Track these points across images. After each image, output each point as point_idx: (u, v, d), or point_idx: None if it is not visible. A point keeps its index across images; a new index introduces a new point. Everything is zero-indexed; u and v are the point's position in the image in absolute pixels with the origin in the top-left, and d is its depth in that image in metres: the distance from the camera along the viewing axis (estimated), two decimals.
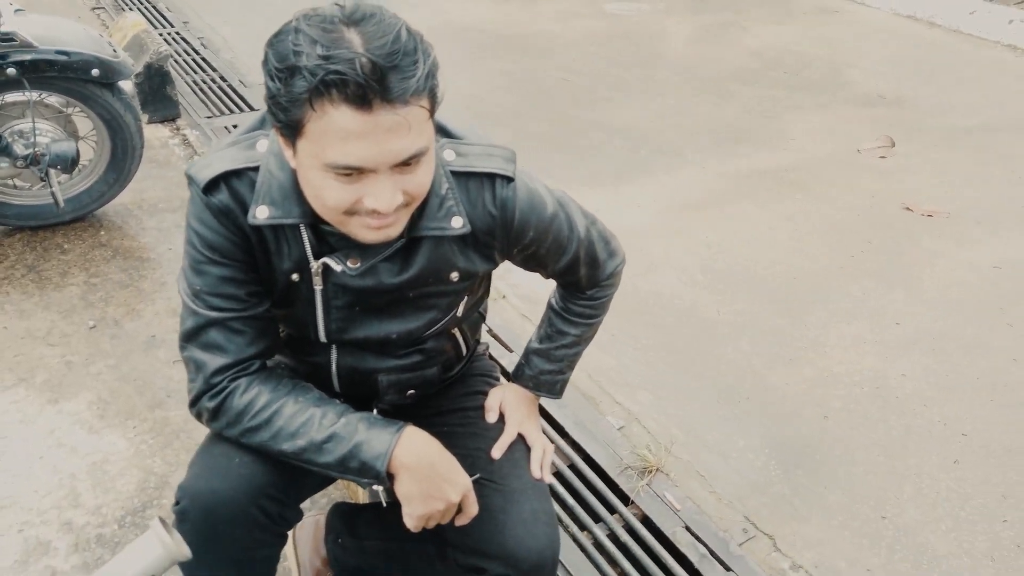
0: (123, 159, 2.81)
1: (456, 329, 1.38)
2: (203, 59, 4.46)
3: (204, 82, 4.19)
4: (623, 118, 4.12)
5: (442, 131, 1.18)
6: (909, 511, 1.97)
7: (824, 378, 2.40)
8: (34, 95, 2.56)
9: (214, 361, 1.15)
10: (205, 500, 1.15)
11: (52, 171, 2.55)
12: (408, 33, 0.94)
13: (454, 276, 1.21)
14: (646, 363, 2.41)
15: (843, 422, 2.24)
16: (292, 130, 0.96)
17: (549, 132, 3.93)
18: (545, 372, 1.47)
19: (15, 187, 2.76)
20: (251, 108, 3.92)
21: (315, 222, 1.10)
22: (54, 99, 2.66)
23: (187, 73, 4.27)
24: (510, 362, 2.34)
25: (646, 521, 1.91)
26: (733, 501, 1.98)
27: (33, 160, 2.54)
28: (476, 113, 4.07)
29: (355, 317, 1.23)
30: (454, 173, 1.15)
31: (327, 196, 0.99)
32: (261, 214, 1.09)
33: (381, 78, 0.90)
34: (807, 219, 3.26)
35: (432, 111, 1.00)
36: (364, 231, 1.03)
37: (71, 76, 2.53)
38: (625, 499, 1.96)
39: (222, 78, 4.23)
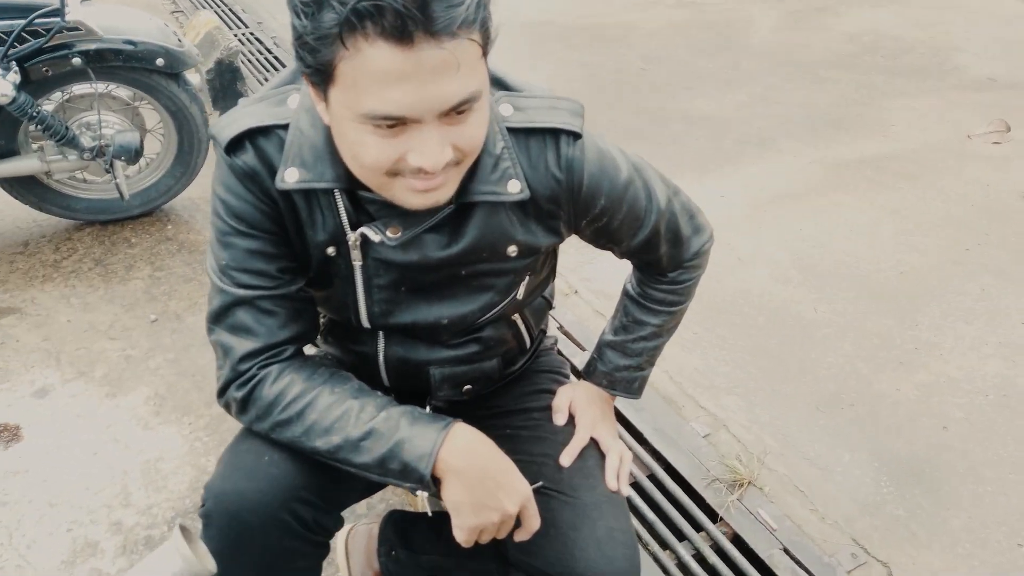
0: (189, 153, 2.76)
1: (517, 315, 1.21)
2: (276, 58, 4.44)
3: None
4: (706, 108, 3.87)
5: (498, 83, 1.01)
6: None
7: (941, 384, 2.12)
8: (101, 86, 2.53)
9: (242, 345, 1.02)
10: (230, 502, 1.01)
11: (117, 163, 2.51)
12: None
13: (512, 251, 1.05)
14: (735, 365, 2.19)
15: (965, 434, 1.96)
16: (323, 76, 0.81)
17: (628, 123, 3.73)
18: (621, 368, 1.29)
19: (85, 181, 2.75)
20: None
21: (352, 187, 0.96)
22: (122, 91, 2.63)
23: (260, 72, 4.26)
24: (581, 362, 2.16)
25: (737, 541, 1.69)
26: (839, 522, 1.73)
27: (99, 152, 2.51)
28: None
29: (401, 299, 1.07)
30: (512, 130, 0.98)
31: (365, 153, 0.84)
32: (290, 177, 0.94)
33: (423, 5, 0.74)
34: (915, 211, 2.95)
35: (485, 50, 0.83)
36: (409, 195, 0.88)
37: (136, 66, 2.48)
38: (713, 515, 1.74)
39: None
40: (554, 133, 0.99)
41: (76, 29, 2.36)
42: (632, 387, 1.31)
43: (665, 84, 4.16)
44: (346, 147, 0.87)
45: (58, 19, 2.27)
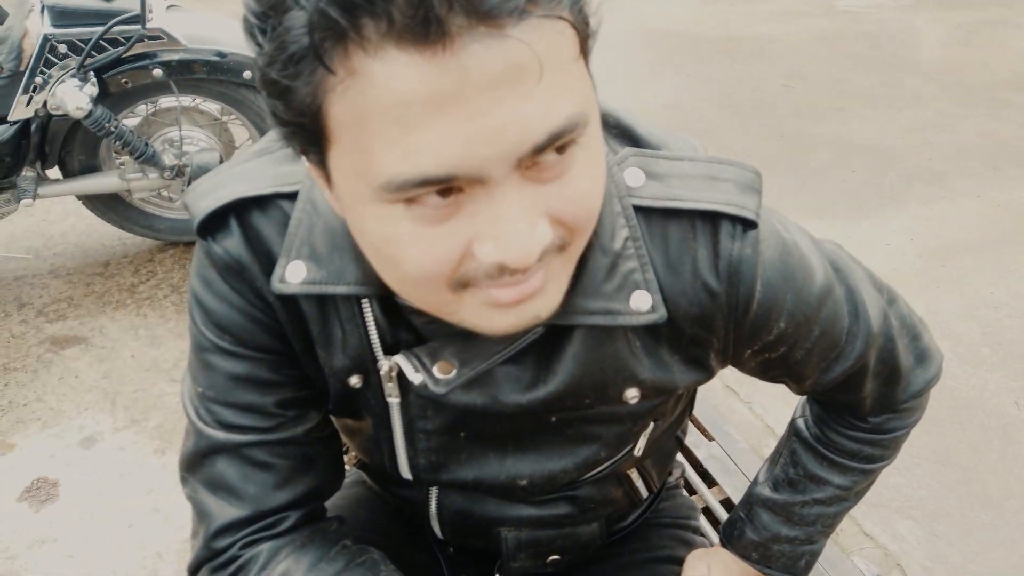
0: None
1: (634, 468, 0.82)
2: None
3: None
4: (863, 134, 3.33)
5: (619, 132, 0.64)
6: None
7: None
8: (187, 100, 2.33)
9: (222, 512, 0.69)
10: None
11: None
12: None
13: (631, 395, 0.66)
14: (911, 476, 1.70)
15: None
16: (310, 136, 0.47)
17: (766, 150, 3.25)
18: (782, 539, 0.88)
19: (170, 199, 2.57)
20: None
21: (388, 292, 0.60)
22: (210, 105, 2.42)
23: None
24: (707, 455, 1.73)
25: None
26: None
27: (178, 171, 2.31)
28: (675, 127, 3.48)
29: (458, 448, 0.72)
30: (642, 211, 0.60)
31: (407, 258, 0.48)
32: (294, 275, 0.60)
33: None
34: None
35: (584, 41, 0.47)
36: (489, 313, 0.52)
37: (222, 79, 2.27)
38: None
39: None
40: (711, 218, 0.60)
41: (158, 38, 2.15)
42: (796, 566, 0.90)
43: (812, 105, 3.64)
44: (374, 253, 0.52)
45: (138, 27, 2.07)
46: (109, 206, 2.47)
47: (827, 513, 0.87)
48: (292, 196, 0.62)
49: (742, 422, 1.85)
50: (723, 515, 1.57)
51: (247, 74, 2.27)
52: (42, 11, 2.07)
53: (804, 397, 0.88)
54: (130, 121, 2.34)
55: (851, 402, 0.78)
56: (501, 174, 0.44)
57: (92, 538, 1.63)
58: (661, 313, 0.60)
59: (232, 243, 0.62)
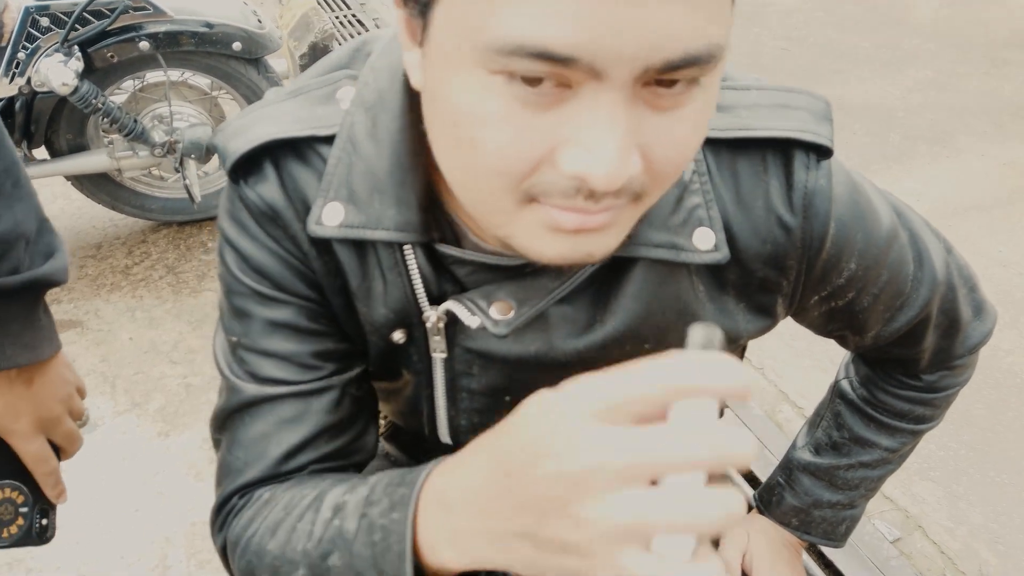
0: None
1: None
2: None
3: None
4: (863, 96, 3.29)
5: None
6: None
7: None
8: (175, 74, 2.26)
9: (246, 470, 0.63)
10: None
11: (188, 161, 2.23)
12: None
13: None
14: (928, 438, 1.68)
15: None
16: None
17: None
18: (824, 504, 0.85)
19: (161, 178, 2.50)
20: None
21: (429, 238, 0.57)
22: (199, 79, 2.35)
23: None
24: (721, 423, 1.71)
25: None
26: None
27: (169, 148, 2.24)
28: None
29: (502, 408, 0.68)
30: (710, 144, 0.57)
31: (486, 138, 0.44)
32: (331, 218, 0.57)
33: None
34: None
35: None
36: (544, 235, 0.47)
37: (211, 51, 2.19)
38: None
39: None
40: (783, 147, 0.57)
41: (143, 8, 2.08)
42: (836, 531, 0.88)
43: (810, 67, 3.59)
44: (450, 132, 0.46)
45: None
46: (99, 186, 2.40)
47: (871, 476, 0.84)
48: (328, 140, 0.58)
49: (755, 388, 1.83)
50: (740, 483, 1.55)
51: (237, 45, 2.20)
52: None
53: (847, 358, 0.85)
54: (117, 98, 2.26)
55: (907, 357, 0.74)
56: (622, 77, 0.40)
57: (98, 524, 1.60)
58: (724, 252, 0.56)
59: (266, 188, 0.58)
